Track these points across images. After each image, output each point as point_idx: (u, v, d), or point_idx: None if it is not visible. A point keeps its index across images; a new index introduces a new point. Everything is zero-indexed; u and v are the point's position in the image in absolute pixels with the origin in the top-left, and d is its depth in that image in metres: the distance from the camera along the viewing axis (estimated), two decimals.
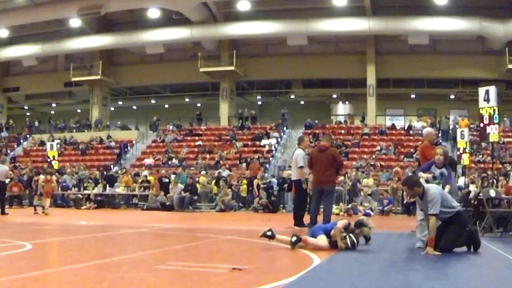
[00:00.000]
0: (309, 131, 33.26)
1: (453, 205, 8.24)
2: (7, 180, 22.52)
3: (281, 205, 24.23)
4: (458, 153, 22.51)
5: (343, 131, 34.54)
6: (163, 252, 8.41)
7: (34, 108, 50.08)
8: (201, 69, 37.21)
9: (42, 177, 21.42)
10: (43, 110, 49.46)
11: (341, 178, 23.81)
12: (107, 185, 27.18)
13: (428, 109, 40.29)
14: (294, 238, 8.18)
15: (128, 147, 35.97)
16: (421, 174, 9.07)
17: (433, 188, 8.22)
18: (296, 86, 41.62)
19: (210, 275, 5.89)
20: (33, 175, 27.53)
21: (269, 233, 8.37)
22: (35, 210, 20.85)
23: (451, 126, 32.58)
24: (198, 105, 44.58)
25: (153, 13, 35.42)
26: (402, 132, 33.88)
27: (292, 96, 43.94)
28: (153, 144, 35.89)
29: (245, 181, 25.40)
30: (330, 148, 12.99)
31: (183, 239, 10.94)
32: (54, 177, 22.64)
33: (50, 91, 44.12)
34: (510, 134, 31.41)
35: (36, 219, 16.92)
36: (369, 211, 21.60)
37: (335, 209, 19.08)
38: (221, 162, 30.67)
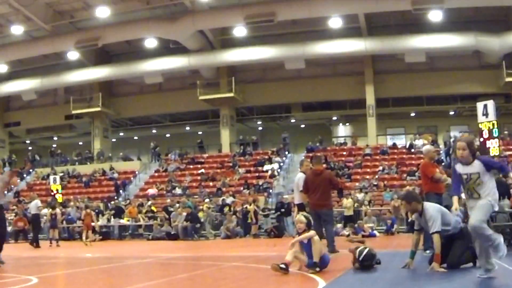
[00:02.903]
0: (310, 154, 33.22)
1: (453, 221, 8.28)
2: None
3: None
4: None
5: (344, 153, 34.55)
6: (169, 281, 8.40)
7: (36, 142, 50.21)
8: (201, 97, 37.29)
9: (73, 210, 22.00)
10: (45, 143, 49.53)
11: (345, 200, 23.81)
12: (113, 216, 27.30)
13: (429, 127, 40.35)
14: (283, 265, 8.16)
15: (132, 178, 36.01)
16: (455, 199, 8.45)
17: (431, 207, 8.35)
18: (295, 110, 41.68)
19: None
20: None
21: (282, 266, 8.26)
22: (55, 243, 21.48)
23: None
24: (199, 133, 44.67)
25: (150, 43, 35.64)
26: (404, 150, 33.85)
27: (293, 120, 44.04)
28: (156, 174, 35.92)
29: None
30: (325, 171, 13.11)
31: (188, 267, 10.92)
32: (92, 211, 23.65)
33: (51, 124, 44.17)
34: (511, 147, 31.34)
35: (43, 253, 16.91)
36: (375, 232, 21.60)
37: None
38: (223, 189, 30.67)
